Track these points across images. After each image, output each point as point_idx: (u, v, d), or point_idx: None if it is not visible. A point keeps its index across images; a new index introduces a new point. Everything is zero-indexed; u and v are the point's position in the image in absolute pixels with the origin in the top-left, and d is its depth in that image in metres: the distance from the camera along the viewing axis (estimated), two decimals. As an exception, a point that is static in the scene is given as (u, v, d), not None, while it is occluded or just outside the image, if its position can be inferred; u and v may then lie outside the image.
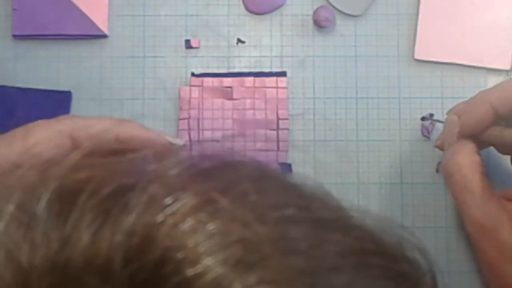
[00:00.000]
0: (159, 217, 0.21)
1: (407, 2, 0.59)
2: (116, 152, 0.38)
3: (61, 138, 0.37)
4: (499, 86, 0.45)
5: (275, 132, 0.57)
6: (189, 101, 0.57)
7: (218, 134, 0.57)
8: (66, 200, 0.22)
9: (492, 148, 0.51)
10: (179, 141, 0.42)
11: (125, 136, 0.39)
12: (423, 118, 0.55)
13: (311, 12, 0.58)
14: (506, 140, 0.45)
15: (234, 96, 0.57)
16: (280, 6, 0.59)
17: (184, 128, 0.57)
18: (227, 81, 0.58)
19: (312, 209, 0.24)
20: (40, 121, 0.39)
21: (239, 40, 0.59)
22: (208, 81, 0.58)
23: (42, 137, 0.37)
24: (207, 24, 0.59)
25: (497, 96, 0.43)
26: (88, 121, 0.38)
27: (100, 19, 0.58)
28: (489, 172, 0.47)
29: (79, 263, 0.21)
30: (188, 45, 0.59)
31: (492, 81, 0.58)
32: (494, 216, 0.42)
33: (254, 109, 0.57)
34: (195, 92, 0.58)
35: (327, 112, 0.58)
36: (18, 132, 0.38)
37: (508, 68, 0.58)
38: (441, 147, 0.51)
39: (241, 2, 0.59)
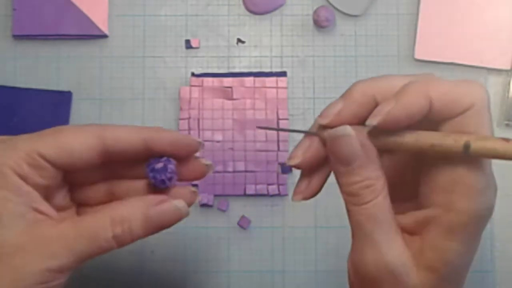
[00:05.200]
0: None
1: (407, 2, 0.59)
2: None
3: (90, 138, 0.38)
4: (441, 83, 0.34)
5: (275, 132, 0.57)
6: (189, 101, 0.57)
7: (218, 134, 0.57)
8: None
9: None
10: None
11: (152, 137, 0.39)
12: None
13: (311, 12, 0.59)
14: (405, 146, 0.34)
15: (234, 96, 0.57)
16: (280, 6, 0.59)
17: (184, 128, 0.57)
18: (227, 81, 0.58)
19: None
20: (68, 125, 0.39)
21: (239, 40, 0.59)
22: (208, 81, 0.58)
23: (73, 136, 0.38)
24: (207, 24, 0.59)
25: (439, 94, 0.34)
26: (115, 126, 0.39)
27: (100, 19, 0.58)
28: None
29: None
30: (188, 45, 0.59)
31: (492, 81, 0.58)
32: (403, 256, 0.34)
33: (254, 109, 0.57)
34: (195, 92, 0.58)
35: (327, 112, 0.58)
36: (48, 130, 0.38)
37: (508, 68, 0.58)
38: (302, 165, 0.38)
39: (241, 2, 0.59)
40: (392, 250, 0.34)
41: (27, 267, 0.36)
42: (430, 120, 0.34)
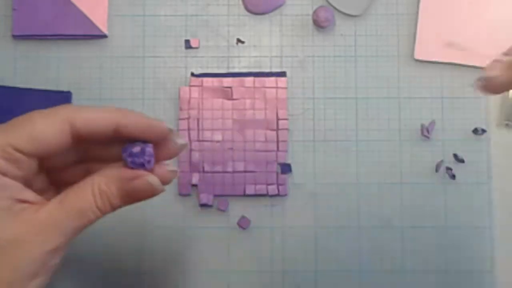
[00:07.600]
0: None
1: (407, 2, 0.59)
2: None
3: (60, 123, 0.38)
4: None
5: (275, 132, 0.57)
6: (189, 101, 0.57)
7: (217, 134, 0.57)
8: None
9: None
10: (182, 141, 0.42)
11: (125, 123, 0.39)
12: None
13: (311, 12, 0.59)
14: None
15: (234, 96, 0.57)
16: (280, 6, 0.59)
17: (184, 128, 0.57)
18: (227, 81, 0.58)
19: None
20: (36, 111, 0.39)
21: (239, 40, 0.59)
22: (208, 81, 0.58)
23: (43, 123, 0.38)
24: (207, 24, 0.59)
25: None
26: (86, 108, 0.39)
27: (100, 19, 0.58)
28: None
29: None
30: (188, 45, 0.59)
31: (492, 81, 0.58)
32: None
33: (254, 109, 0.57)
34: (195, 92, 0.58)
35: (327, 112, 0.58)
36: (18, 120, 0.39)
37: (508, 68, 0.57)
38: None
39: (241, 2, 0.59)
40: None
41: (25, 256, 0.37)
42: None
